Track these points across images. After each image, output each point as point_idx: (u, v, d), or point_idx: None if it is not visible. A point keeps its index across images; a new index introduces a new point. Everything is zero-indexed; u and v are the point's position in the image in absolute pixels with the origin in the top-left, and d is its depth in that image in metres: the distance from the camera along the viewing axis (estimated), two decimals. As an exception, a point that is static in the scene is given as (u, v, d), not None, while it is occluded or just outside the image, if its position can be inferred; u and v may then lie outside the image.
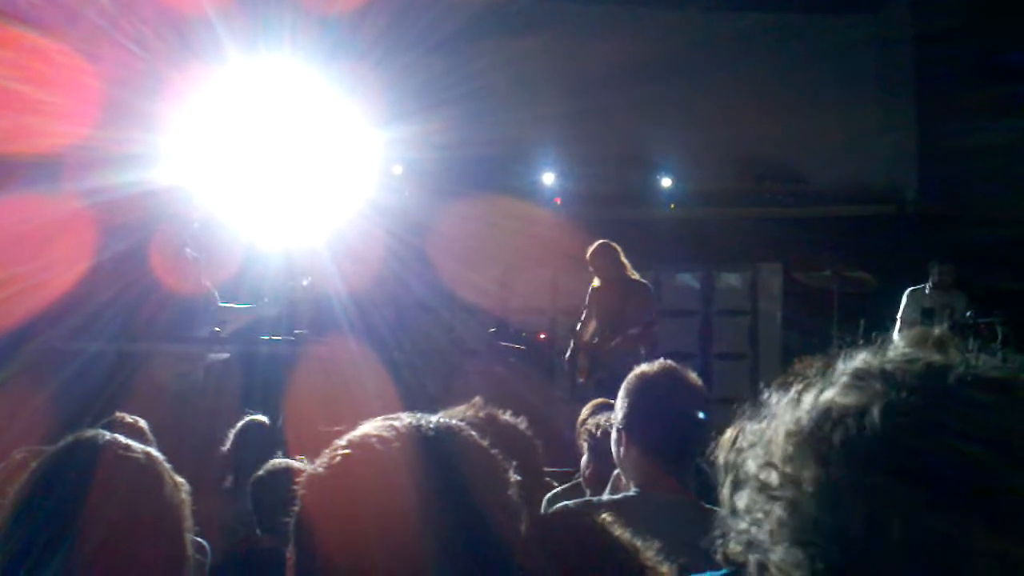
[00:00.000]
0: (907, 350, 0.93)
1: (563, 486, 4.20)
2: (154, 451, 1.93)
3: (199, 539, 3.14)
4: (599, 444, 3.54)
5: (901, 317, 8.92)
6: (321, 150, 9.32)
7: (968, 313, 8.59)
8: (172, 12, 7.85)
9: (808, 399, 0.91)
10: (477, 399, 2.66)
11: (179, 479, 1.92)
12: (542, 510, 4.30)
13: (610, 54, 11.08)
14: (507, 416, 2.66)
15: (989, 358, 0.90)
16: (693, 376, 2.89)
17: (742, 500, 0.94)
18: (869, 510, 0.81)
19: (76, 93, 6.84)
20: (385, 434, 1.29)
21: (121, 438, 1.91)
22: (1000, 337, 8.17)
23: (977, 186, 10.46)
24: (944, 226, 10.38)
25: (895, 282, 9.25)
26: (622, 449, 2.83)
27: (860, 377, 0.90)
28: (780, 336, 11.36)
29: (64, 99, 6.76)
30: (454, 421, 1.36)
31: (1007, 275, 9.35)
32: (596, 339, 7.96)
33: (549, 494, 4.06)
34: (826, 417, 0.88)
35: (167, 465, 1.92)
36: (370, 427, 1.31)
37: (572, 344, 8.21)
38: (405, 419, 1.33)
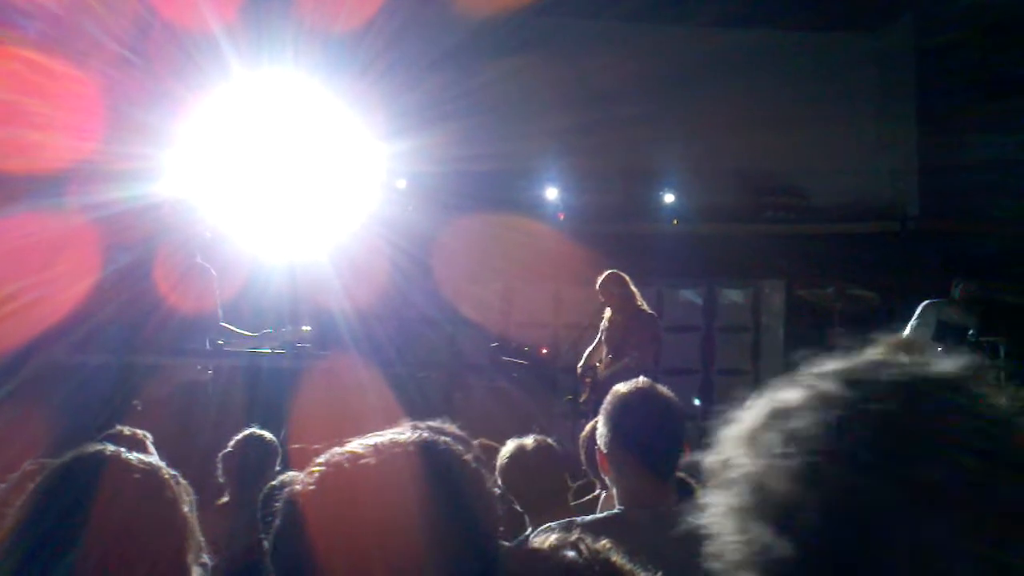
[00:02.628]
0: (872, 354, 0.96)
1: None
2: (159, 463, 1.93)
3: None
4: None
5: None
6: (325, 164, 9.36)
7: (970, 332, 8.54)
8: (177, 28, 7.89)
9: (760, 402, 0.96)
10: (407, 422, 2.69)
11: (185, 492, 1.92)
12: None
13: (613, 70, 11.12)
14: (452, 428, 2.70)
15: (948, 359, 0.93)
16: (667, 392, 2.93)
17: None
18: (820, 495, 0.85)
19: (81, 108, 6.87)
20: (360, 451, 1.29)
21: (124, 451, 1.91)
22: (1002, 354, 8.16)
23: (979, 202, 10.47)
24: (946, 242, 10.39)
25: (897, 298, 9.25)
26: (607, 470, 2.88)
27: (814, 377, 0.94)
28: (782, 352, 11.36)
29: (69, 114, 6.79)
30: (435, 436, 1.36)
31: (1009, 290, 9.34)
32: (600, 363, 8.06)
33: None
34: (771, 413, 0.93)
35: (172, 477, 1.92)
36: (350, 445, 1.32)
37: (581, 366, 8.28)
38: (386, 436, 1.33)
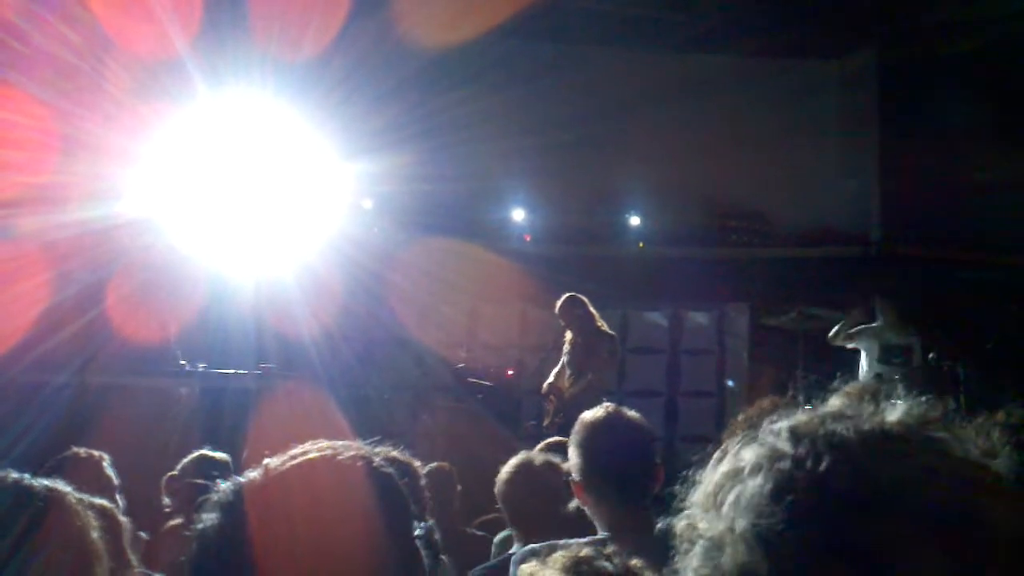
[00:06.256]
0: (836, 403, 0.95)
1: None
2: (65, 488, 1.88)
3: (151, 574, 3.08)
4: None
5: (862, 353, 8.96)
6: (291, 184, 9.31)
7: (931, 355, 8.62)
8: (141, 49, 7.84)
9: (725, 460, 0.94)
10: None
11: (95, 518, 1.88)
12: (494, 550, 4.30)
13: (579, 93, 11.19)
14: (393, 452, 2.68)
15: (904, 407, 0.92)
16: (636, 416, 2.93)
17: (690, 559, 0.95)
18: (769, 560, 0.83)
19: (38, 129, 6.80)
20: (279, 467, 1.29)
21: (28, 478, 1.86)
22: (962, 379, 8.24)
23: (941, 228, 10.62)
24: (908, 267, 10.52)
25: (860, 322, 9.33)
26: (584, 499, 2.87)
27: (770, 433, 0.92)
28: (746, 375, 11.42)
29: (25, 135, 6.71)
30: (360, 455, 1.35)
31: (970, 316, 9.47)
32: (564, 385, 8.07)
33: (500, 535, 4.04)
34: (730, 474, 0.91)
35: (79, 502, 1.88)
36: (272, 461, 1.31)
37: (545, 388, 8.28)
38: (311, 453, 1.32)
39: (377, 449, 2.28)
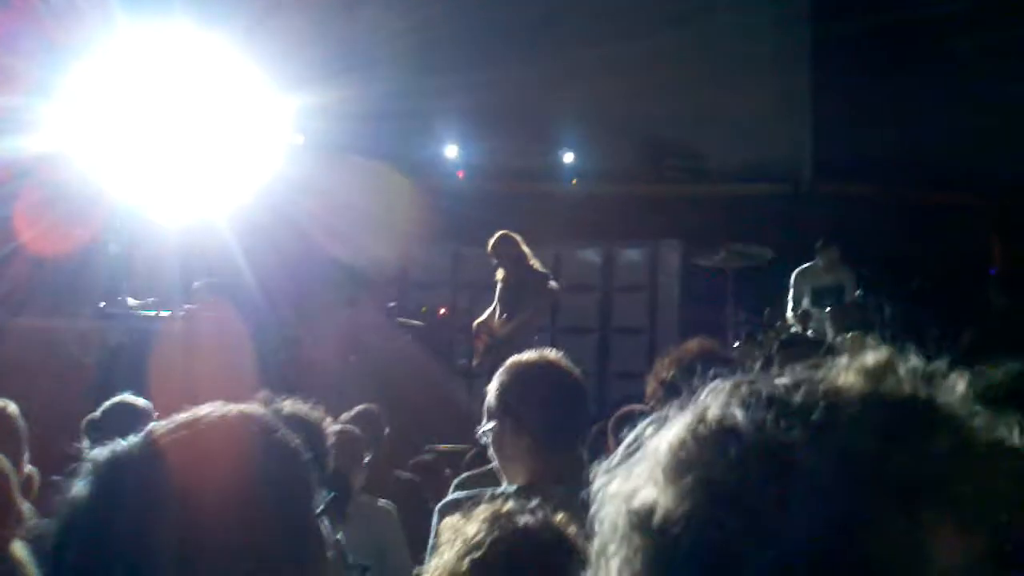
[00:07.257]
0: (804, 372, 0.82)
1: (475, 471, 4.11)
2: None
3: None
4: None
5: (793, 297, 9.15)
6: (219, 118, 9.06)
7: (858, 292, 8.83)
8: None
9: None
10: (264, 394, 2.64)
11: None
12: (450, 493, 4.27)
13: (514, 30, 11.04)
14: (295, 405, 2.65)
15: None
16: (568, 362, 2.85)
17: None
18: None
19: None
20: (162, 429, 1.22)
21: None
22: (888, 316, 8.41)
23: (871, 167, 10.75)
24: (838, 206, 10.65)
25: (790, 260, 9.46)
26: (504, 440, 2.76)
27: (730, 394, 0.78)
28: (677, 312, 11.53)
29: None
30: (261, 422, 1.27)
31: (897, 254, 9.66)
32: (495, 324, 8.06)
33: (458, 479, 4.00)
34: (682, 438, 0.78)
35: None
36: (159, 423, 1.24)
37: (476, 327, 8.27)
38: (201, 411, 1.25)
39: (284, 404, 2.20)
